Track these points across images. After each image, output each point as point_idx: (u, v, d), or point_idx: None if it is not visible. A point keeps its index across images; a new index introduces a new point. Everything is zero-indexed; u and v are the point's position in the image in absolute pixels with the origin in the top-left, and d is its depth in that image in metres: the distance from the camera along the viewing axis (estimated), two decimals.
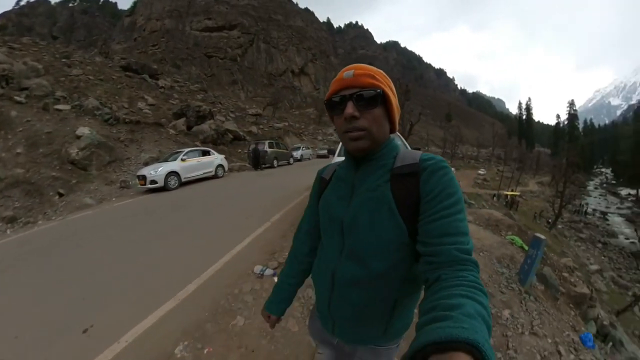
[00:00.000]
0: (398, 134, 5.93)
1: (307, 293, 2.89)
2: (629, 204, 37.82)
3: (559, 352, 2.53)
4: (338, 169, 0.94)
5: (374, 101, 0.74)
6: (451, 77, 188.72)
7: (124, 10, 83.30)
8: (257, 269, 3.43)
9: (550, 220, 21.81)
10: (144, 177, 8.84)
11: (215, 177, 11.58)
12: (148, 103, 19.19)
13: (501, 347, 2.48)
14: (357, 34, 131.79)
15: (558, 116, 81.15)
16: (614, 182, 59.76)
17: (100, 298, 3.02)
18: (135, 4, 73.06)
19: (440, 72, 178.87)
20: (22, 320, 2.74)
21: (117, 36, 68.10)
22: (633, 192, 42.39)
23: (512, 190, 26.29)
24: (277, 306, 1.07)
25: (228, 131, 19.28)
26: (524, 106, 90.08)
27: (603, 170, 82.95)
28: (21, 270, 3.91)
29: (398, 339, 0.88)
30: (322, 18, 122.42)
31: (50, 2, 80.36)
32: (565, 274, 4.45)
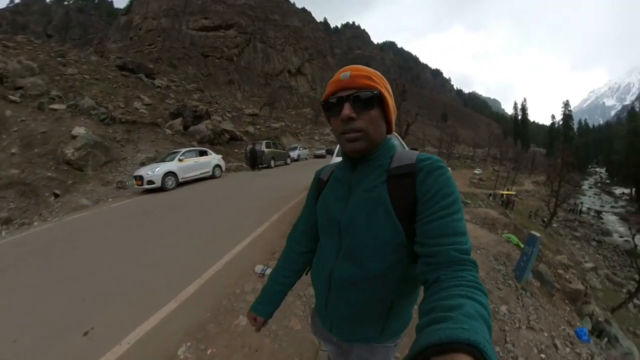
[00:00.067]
0: (396, 134, 5.96)
1: (308, 291, 2.90)
2: (623, 203, 38.32)
3: (555, 346, 2.59)
4: (336, 170, 0.94)
5: (371, 102, 0.74)
6: (447, 78, 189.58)
7: (120, 9, 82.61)
8: (258, 268, 3.43)
9: (545, 219, 22.02)
10: (141, 178, 8.78)
11: (212, 177, 11.55)
12: (144, 103, 19.08)
13: (499, 341, 2.53)
14: (353, 34, 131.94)
15: (553, 116, 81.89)
16: (608, 181, 60.46)
17: (100, 299, 2.99)
18: (131, 2, 72.50)
19: (437, 73, 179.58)
20: (21, 322, 2.70)
21: (112, 35, 67.61)
22: (627, 191, 42.95)
23: (507, 190, 26.51)
24: (265, 308, 1.03)
25: (225, 131, 19.22)
26: (519, 106, 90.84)
27: (597, 169, 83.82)
28: (19, 272, 3.87)
29: (396, 338, 0.88)
30: (319, 18, 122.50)
31: (45, 0, 79.64)
32: (561, 271, 4.53)
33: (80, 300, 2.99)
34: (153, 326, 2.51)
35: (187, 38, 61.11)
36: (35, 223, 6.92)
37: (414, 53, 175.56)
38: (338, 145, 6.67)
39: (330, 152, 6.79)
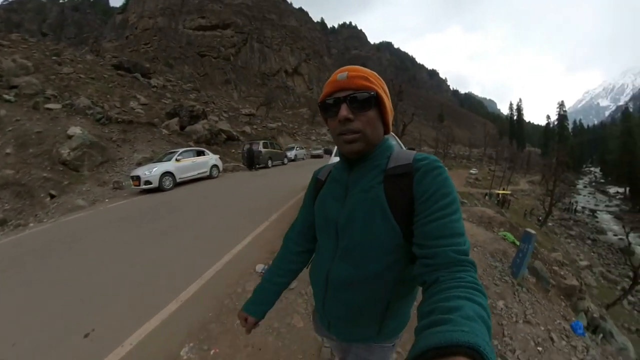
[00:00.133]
0: (393, 134, 6.00)
1: (309, 289, 2.90)
2: (617, 202, 38.81)
3: (552, 339, 2.66)
4: (333, 170, 0.94)
5: (368, 103, 0.74)
6: (444, 78, 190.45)
7: (116, 8, 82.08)
8: (259, 267, 3.44)
9: (540, 218, 22.23)
10: (138, 178, 8.74)
11: (210, 177, 11.52)
12: (140, 102, 18.99)
13: (497, 335, 2.59)
14: (350, 34, 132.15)
15: (548, 117, 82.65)
16: (602, 180, 61.15)
17: (99, 300, 2.97)
18: (127, 1, 71.96)
19: (433, 73, 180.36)
20: (20, 324, 2.65)
21: (108, 34, 67.11)
22: (621, 190, 43.48)
23: (503, 189, 26.70)
24: (258, 308, 1.01)
25: (222, 131, 19.18)
26: (515, 107, 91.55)
27: (592, 169, 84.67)
28: (16, 273, 3.84)
29: (394, 339, 0.88)
30: (316, 18, 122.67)
31: None
32: (556, 268, 4.61)
33: (79, 302, 2.96)
34: (155, 327, 2.48)
35: (183, 37, 60.83)
36: (31, 224, 6.86)
37: (410, 53, 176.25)
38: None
39: (328, 152, 6.79)
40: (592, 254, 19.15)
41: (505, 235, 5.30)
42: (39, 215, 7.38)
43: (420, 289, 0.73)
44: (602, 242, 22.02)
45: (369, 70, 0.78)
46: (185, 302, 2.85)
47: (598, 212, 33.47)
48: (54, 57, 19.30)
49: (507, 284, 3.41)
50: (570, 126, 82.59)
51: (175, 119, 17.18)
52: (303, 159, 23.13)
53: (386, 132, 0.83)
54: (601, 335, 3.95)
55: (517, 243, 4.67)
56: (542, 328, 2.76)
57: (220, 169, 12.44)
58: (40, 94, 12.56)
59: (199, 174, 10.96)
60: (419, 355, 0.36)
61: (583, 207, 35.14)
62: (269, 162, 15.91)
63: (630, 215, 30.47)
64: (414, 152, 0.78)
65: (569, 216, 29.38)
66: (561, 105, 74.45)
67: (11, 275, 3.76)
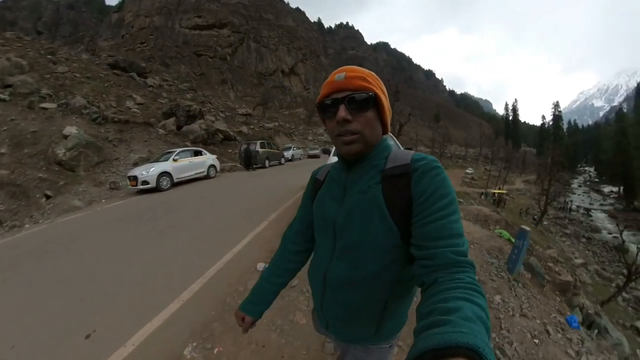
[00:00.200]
0: (391, 134, 6.04)
1: None
2: (611, 201, 39.23)
3: (548, 332, 2.72)
4: (332, 170, 0.93)
5: (366, 104, 0.74)
6: (440, 79, 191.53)
7: (112, 6, 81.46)
8: (260, 266, 3.46)
9: (536, 217, 22.41)
10: (135, 178, 8.68)
11: (207, 177, 11.48)
12: (136, 102, 18.85)
13: (495, 328, 2.65)
14: (347, 34, 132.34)
15: (543, 117, 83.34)
16: (597, 180, 61.73)
17: (99, 301, 2.95)
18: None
19: (430, 74, 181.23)
20: (19, 326, 2.61)
21: (104, 33, 66.65)
22: (615, 189, 43.96)
23: (499, 189, 26.87)
24: (255, 307, 1.00)
25: (218, 131, 19.13)
26: (510, 107, 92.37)
27: (586, 168, 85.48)
28: (13, 274, 3.80)
29: (391, 339, 0.88)
30: (313, 18, 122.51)
31: None
32: (550, 264, 4.68)
33: (79, 302, 2.93)
34: (157, 327, 2.46)
35: (180, 37, 60.59)
36: (27, 225, 6.77)
37: (407, 54, 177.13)
38: None
39: (327, 152, 6.80)
40: (587, 252, 19.34)
41: (501, 233, 5.37)
42: (34, 216, 7.30)
43: (418, 289, 0.74)
44: (596, 240, 22.25)
45: (366, 71, 0.77)
46: (187, 302, 2.84)
47: (592, 210, 33.78)
48: (49, 56, 19.09)
49: (503, 280, 3.48)
50: (565, 126, 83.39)
51: (172, 119, 17.10)
52: (300, 159, 23.14)
53: (384, 132, 0.83)
54: (596, 330, 4.01)
55: (513, 240, 4.74)
56: (538, 321, 2.83)
57: (218, 169, 12.41)
58: (35, 93, 12.43)
59: (196, 174, 10.92)
60: (418, 357, 0.36)
61: (578, 206, 35.46)
62: (266, 162, 15.90)
63: (624, 213, 30.84)
64: (412, 152, 0.78)
65: (564, 215, 29.63)
66: (556, 105, 75.12)
67: (9, 277, 3.72)
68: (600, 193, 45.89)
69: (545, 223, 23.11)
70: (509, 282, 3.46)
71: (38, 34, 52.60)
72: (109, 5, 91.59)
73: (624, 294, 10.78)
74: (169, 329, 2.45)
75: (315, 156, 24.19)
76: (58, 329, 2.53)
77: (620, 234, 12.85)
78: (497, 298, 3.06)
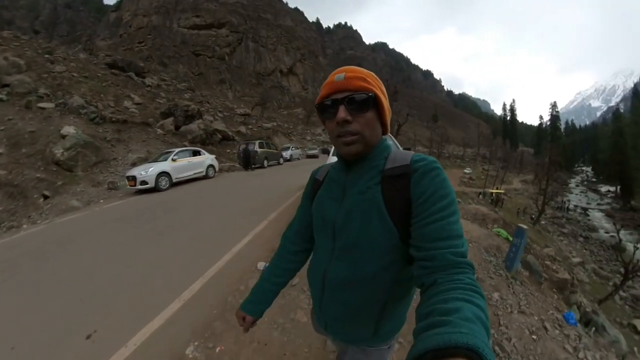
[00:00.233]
0: (390, 135, 6.06)
1: None
2: (609, 200, 39.42)
3: (545, 328, 2.76)
4: (331, 170, 0.93)
5: (366, 105, 0.73)
6: (438, 79, 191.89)
7: (110, 6, 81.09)
8: (261, 265, 3.47)
9: (533, 217, 22.49)
10: (134, 178, 8.67)
11: (206, 177, 11.47)
12: (134, 102, 18.82)
13: (494, 325, 2.69)
14: (345, 34, 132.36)
15: (541, 117, 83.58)
16: (594, 179, 62.04)
17: (99, 301, 2.94)
18: None
19: (428, 74, 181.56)
20: (18, 327, 2.59)
21: (102, 32, 66.35)
22: (612, 188, 44.17)
23: (497, 188, 26.94)
24: (255, 307, 1.01)
25: (217, 131, 19.11)
26: (508, 107, 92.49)
27: (584, 168, 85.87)
28: (12, 275, 3.79)
29: (389, 341, 0.88)
30: (311, 18, 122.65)
31: None
32: (548, 262, 4.73)
33: (79, 302, 2.92)
34: (158, 326, 2.46)
35: (178, 36, 60.41)
36: (25, 226, 6.73)
37: (405, 54, 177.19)
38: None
39: (326, 152, 6.80)
40: (585, 251, 19.43)
41: (499, 232, 5.41)
42: (32, 217, 7.26)
43: (417, 291, 0.75)
44: (594, 239, 22.37)
45: (366, 71, 0.77)
46: (188, 301, 2.84)
47: (590, 210, 33.94)
48: (47, 55, 19.01)
49: (501, 277, 3.52)
50: (563, 126, 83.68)
51: (170, 119, 17.07)
52: (298, 159, 23.18)
53: (384, 132, 0.83)
54: (594, 328, 4.05)
55: (510, 239, 4.78)
56: (536, 318, 2.87)
57: (217, 169, 12.40)
58: (32, 93, 12.39)
59: (195, 174, 10.91)
60: (418, 357, 0.36)
61: (575, 206, 35.60)
62: (265, 162, 15.91)
63: (621, 213, 31.00)
64: (412, 152, 0.77)
65: (561, 214, 29.74)
66: (554, 105, 75.40)
67: (9, 277, 3.71)
68: (597, 192, 46.11)
69: (542, 222, 23.21)
70: (507, 279, 3.50)
71: (35, 33, 52.28)
72: (106, 5, 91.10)
73: (621, 293, 10.84)
74: (170, 329, 2.45)
75: (314, 156, 24.23)
76: (58, 329, 2.51)
77: (617, 233, 12.94)
78: (496, 295, 3.10)
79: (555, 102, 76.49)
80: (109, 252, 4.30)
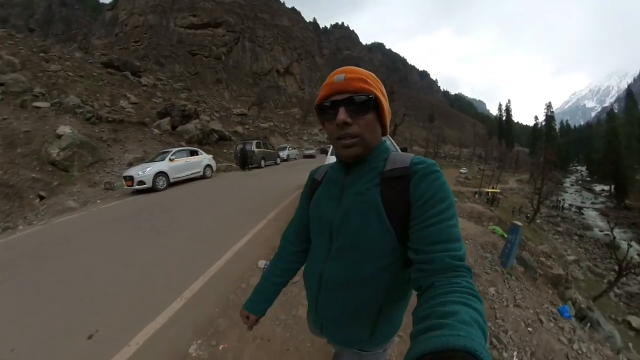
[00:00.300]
0: (389, 136, 6.09)
1: None
2: (603, 199, 39.85)
3: (541, 321, 2.84)
4: (330, 170, 0.92)
5: (366, 106, 0.72)
6: (434, 79, 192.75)
7: (105, 4, 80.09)
8: (261, 263, 3.50)
9: (529, 215, 22.69)
10: (131, 178, 8.63)
11: (203, 177, 11.46)
12: (131, 101, 18.70)
13: (490, 318, 2.76)
14: (342, 34, 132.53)
15: (536, 117, 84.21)
16: (588, 179, 62.61)
17: (99, 301, 2.93)
18: None
19: (424, 74, 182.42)
20: (18, 328, 2.57)
21: (97, 31, 65.76)
22: (606, 187, 44.65)
23: (492, 188, 27.12)
24: (258, 306, 1.02)
25: (214, 131, 19.07)
26: (503, 108, 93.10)
27: (578, 168, 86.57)
28: (11, 276, 3.76)
29: (384, 344, 0.87)
30: (308, 18, 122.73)
31: None
32: (543, 259, 4.81)
33: (79, 303, 2.90)
34: (161, 325, 2.46)
35: (174, 35, 60.08)
36: (20, 227, 6.66)
37: (402, 54, 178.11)
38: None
39: (324, 152, 6.82)
40: (579, 249, 19.65)
41: (494, 229, 5.48)
42: (28, 217, 7.20)
43: (413, 294, 0.74)
44: (588, 237, 22.60)
45: (366, 72, 0.76)
46: (190, 300, 2.84)
47: (584, 209, 34.27)
48: (42, 54, 18.82)
49: (497, 273, 3.59)
50: (558, 126, 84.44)
51: (167, 119, 17.01)
52: (295, 159, 23.21)
53: (384, 133, 0.82)
54: (589, 324, 4.12)
55: (506, 236, 4.85)
56: (531, 311, 2.95)
57: (214, 168, 12.39)
58: (27, 92, 12.27)
59: (192, 174, 10.89)
60: None
61: (570, 205, 35.92)
62: (262, 162, 15.94)
63: (615, 211, 31.38)
64: (412, 155, 0.77)
65: (556, 213, 30.00)
66: (549, 106, 75.99)
67: (8, 277, 3.68)
68: (591, 192, 46.58)
69: (538, 221, 23.41)
70: (503, 275, 3.58)
71: (30, 32, 51.65)
72: (102, 3, 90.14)
73: (616, 290, 11.00)
74: (173, 327, 2.45)
75: (311, 156, 24.26)
76: (59, 329, 2.50)
77: (612, 231, 13.12)
78: (492, 290, 3.17)
79: (550, 103, 77.11)
80: (107, 253, 4.28)
